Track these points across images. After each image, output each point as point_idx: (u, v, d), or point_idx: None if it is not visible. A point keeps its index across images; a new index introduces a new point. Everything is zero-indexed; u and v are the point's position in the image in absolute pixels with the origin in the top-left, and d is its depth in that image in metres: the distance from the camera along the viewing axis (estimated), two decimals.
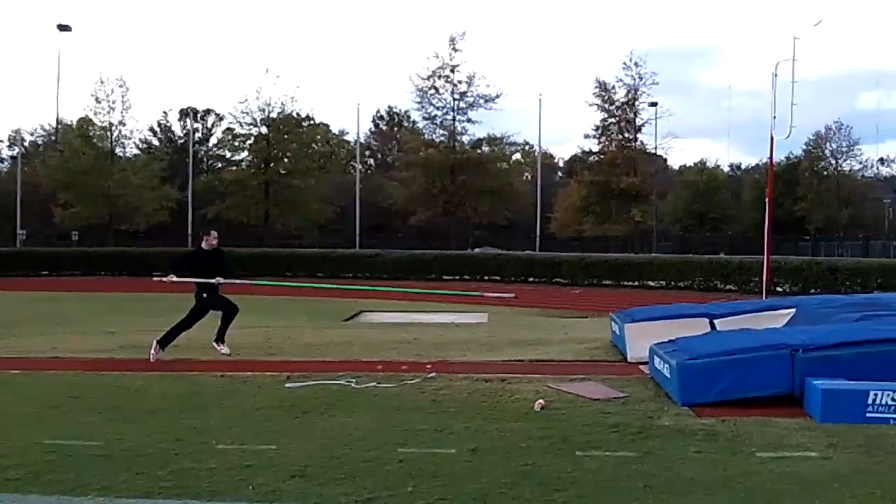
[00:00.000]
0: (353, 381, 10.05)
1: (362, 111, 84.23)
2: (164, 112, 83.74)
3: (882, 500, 5.80)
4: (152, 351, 11.87)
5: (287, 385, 9.89)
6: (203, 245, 12.49)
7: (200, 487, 5.93)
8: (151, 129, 78.43)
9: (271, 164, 59.87)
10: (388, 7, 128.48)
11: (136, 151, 65.12)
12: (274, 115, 58.98)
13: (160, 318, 14.80)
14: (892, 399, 8.07)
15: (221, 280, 12.46)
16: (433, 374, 10.52)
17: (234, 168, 62.97)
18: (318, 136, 71.65)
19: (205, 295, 12.22)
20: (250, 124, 59.86)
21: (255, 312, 21.29)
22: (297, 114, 61.07)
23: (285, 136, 60.09)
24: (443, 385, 9.87)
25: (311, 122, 66.23)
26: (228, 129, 63.90)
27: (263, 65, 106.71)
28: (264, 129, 59.36)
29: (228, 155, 66.33)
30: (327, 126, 78.28)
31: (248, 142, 60.93)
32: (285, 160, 60.98)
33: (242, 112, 59.54)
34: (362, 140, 76.93)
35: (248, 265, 38.18)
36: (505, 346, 13.90)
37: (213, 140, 76.54)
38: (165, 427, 7.76)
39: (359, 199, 57.54)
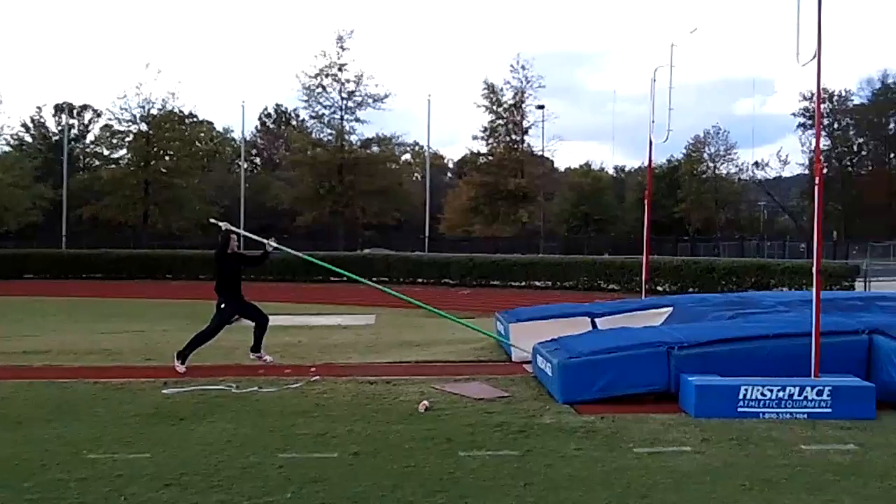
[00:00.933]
0: (234, 385, 9.85)
1: (248, 109, 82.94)
2: (38, 107, 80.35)
3: (750, 492, 5.99)
4: (176, 366, 11.06)
5: (164, 391, 9.63)
6: (228, 249, 11.70)
7: (69, 499, 5.70)
8: (24, 126, 75.24)
9: (151, 163, 58.19)
10: (275, 3, 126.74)
11: (6, 149, 62.61)
12: (155, 111, 57.50)
13: (27, 321, 14.25)
14: (762, 394, 8.36)
15: (274, 244, 12.15)
16: (317, 378, 10.40)
17: (113, 166, 61.09)
18: (202, 134, 70.24)
19: (223, 306, 11.53)
20: (129, 121, 58.22)
21: (133, 316, 20.83)
22: (180, 111, 59.74)
23: (166, 134, 58.59)
24: (326, 388, 9.77)
25: (195, 119, 64.84)
26: (106, 125, 62.06)
27: (144, 59, 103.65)
28: (144, 127, 57.76)
29: (106, 153, 64.32)
30: (211, 124, 76.85)
31: (127, 139, 59.21)
32: (166, 158, 59.46)
33: (121, 108, 57.82)
34: (248, 138, 75.79)
35: (125, 267, 37.24)
36: (391, 347, 13.88)
37: (90, 137, 73.91)
38: (32, 437, 7.45)
39: (243, 198, 56.51)
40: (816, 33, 8.70)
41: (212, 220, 12.87)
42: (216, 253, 11.67)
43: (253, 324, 11.88)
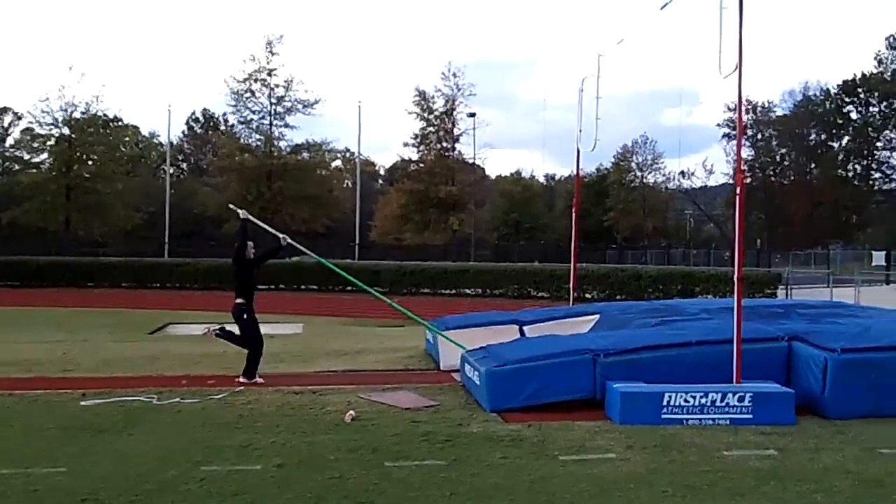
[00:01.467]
0: (155, 397, 9.62)
1: (176, 113, 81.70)
2: None
3: (673, 498, 6.06)
4: (251, 382, 10.71)
5: (82, 403, 9.36)
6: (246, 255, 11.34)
7: None
8: None
9: (74, 168, 56.71)
10: (202, 6, 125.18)
11: None
12: (78, 115, 56.07)
13: None
14: (685, 400, 8.47)
15: (289, 240, 11.90)
16: (241, 388, 10.24)
17: (33, 171, 59.37)
18: (127, 139, 68.75)
19: (245, 315, 11.10)
20: (51, 124, 56.56)
21: (53, 325, 20.30)
22: (104, 115, 58.33)
23: (90, 139, 57.23)
24: (251, 399, 9.62)
25: (120, 123, 63.50)
26: (27, 129, 60.25)
27: (67, 62, 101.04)
28: (66, 130, 56.31)
29: (27, 157, 62.41)
30: (137, 128, 75.37)
31: (49, 143, 57.63)
32: (89, 163, 58.05)
33: (43, 111, 56.13)
34: (175, 143, 74.63)
35: (46, 275, 36.33)
36: (319, 356, 13.76)
37: (9, 141, 71.77)
38: None
39: (169, 204, 55.50)
40: (738, 46, 8.86)
41: (231, 206, 12.55)
42: (233, 259, 11.38)
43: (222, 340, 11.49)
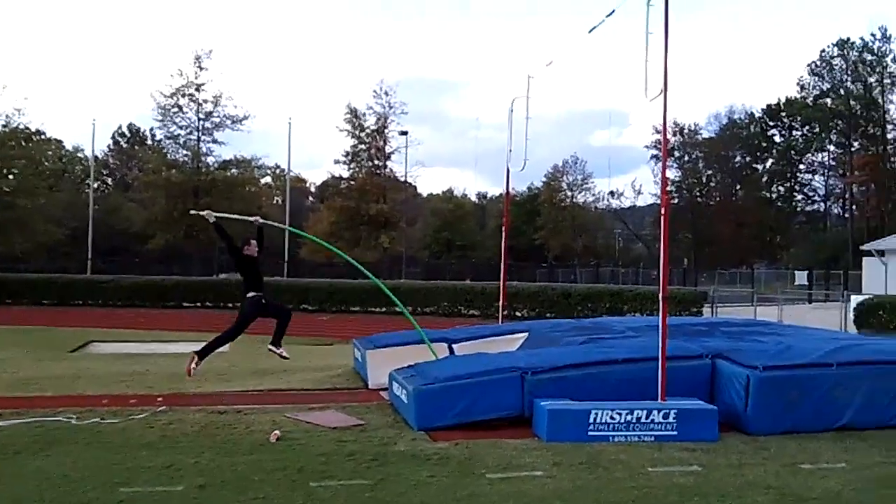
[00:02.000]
0: (74, 417, 9.35)
1: (101, 128, 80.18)
2: None
3: None
4: (192, 365, 10.89)
5: None
6: (245, 251, 11.33)
7: None
8: None
9: None
10: (130, 19, 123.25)
11: None
12: None
13: None
14: (611, 417, 8.53)
15: (261, 220, 11.88)
16: (164, 408, 10.02)
17: None
18: (50, 152, 67.10)
19: (264, 301, 11.30)
20: None
21: None
22: (26, 127, 56.89)
23: (11, 152, 55.69)
24: (174, 419, 9.41)
25: (42, 136, 62.00)
26: None
27: None
28: None
29: None
30: (60, 142, 73.70)
31: None
32: (10, 177, 56.50)
33: None
34: (99, 157, 73.23)
35: None
36: (245, 375, 13.56)
37: None
38: None
39: (92, 219, 54.26)
40: (663, 71, 8.99)
41: (192, 212, 12.50)
42: (235, 262, 11.49)
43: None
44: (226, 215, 11.83)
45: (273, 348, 11.54)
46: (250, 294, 11.17)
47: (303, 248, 66.05)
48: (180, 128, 57.23)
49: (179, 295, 33.85)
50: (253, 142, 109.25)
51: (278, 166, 75.08)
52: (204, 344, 11.19)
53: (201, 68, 55.79)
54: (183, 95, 56.18)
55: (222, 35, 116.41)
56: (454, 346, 12.68)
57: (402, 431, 8.86)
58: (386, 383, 10.82)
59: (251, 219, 11.79)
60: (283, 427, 8.89)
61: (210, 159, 57.96)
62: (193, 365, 10.91)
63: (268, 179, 75.03)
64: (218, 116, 56.74)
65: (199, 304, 33.11)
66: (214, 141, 57.42)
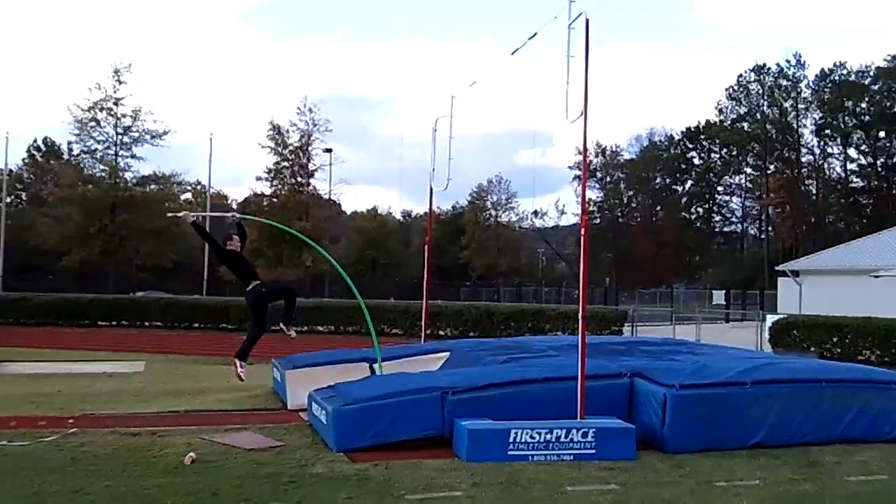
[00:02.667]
0: None
1: (15, 141, 77.91)
2: None
3: None
4: (238, 370, 11.12)
5: None
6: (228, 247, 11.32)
7: None
8: None
9: None
10: (47, 30, 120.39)
11: None
12: None
13: None
14: (531, 437, 8.55)
15: (238, 215, 12.06)
16: (75, 430, 9.71)
17: None
18: None
19: (263, 289, 11.36)
20: None
21: None
22: None
23: None
24: (85, 441, 9.13)
25: None
26: None
27: None
28: None
29: None
30: None
31: None
32: None
33: None
34: (13, 171, 71.14)
35: None
36: (160, 396, 13.22)
37: None
38: None
39: (4, 235, 52.66)
40: (584, 94, 9.09)
41: (170, 215, 12.53)
42: (220, 260, 11.74)
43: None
44: (208, 214, 11.85)
45: (284, 328, 11.67)
46: (249, 287, 11.20)
47: (223, 267, 65.07)
48: (98, 142, 56.08)
49: (95, 313, 32.97)
50: (173, 157, 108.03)
51: (199, 182, 74.12)
52: (239, 348, 11.36)
53: (120, 82, 54.81)
54: (101, 109, 55.05)
55: (143, 48, 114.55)
56: (375, 365, 12.58)
57: (320, 453, 8.74)
58: (305, 404, 10.67)
59: (228, 215, 11.98)
60: (199, 449, 8.70)
61: (128, 175, 56.88)
62: (241, 369, 11.14)
63: (188, 196, 73.86)
64: (137, 131, 55.75)
65: (115, 323, 32.32)
66: (133, 156, 56.38)
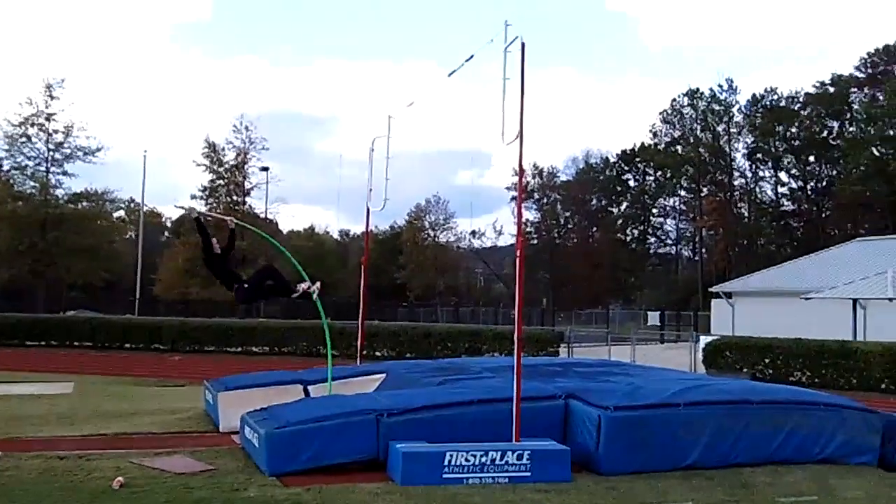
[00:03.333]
0: None
1: None
2: None
3: None
4: None
5: None
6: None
7: None
8: None
9: None
10: None
11: None
12: None
13: None
14: (466, 459, 8.51)
15: (235, 221, 12.58)
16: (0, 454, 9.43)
17: None
18: None
19: (246, 285, 11.84)
20: None
21: None
22: None
23: None
24: (9, 465, 8.87)
25: None
26: None
27: None
28: None
29: None
30: None
31: None
32: None
33: None
34: None
35: None
36: (90, 418, 12.93)
37: None
38: None
39: None
40: (519, 116, 9.14)
41: (177, 206, 12.44)
42: (204, 262, 11.90)
43: None
44: (210, 215, 12.07)
45: (300, 288, 11.95)
46: (233, 291, 11.68)
47: (156, 285, 64.18)
48: (28, 158, 54.89)
49: (23, 333, 32.18)
50: (106, 174, 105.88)
51: (132, 200, 73.02)
52: None
53: (52, 97, 53.82)
54: (32, 125, 53.98)
55: (76, 63, 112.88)
56: (310, 387, 12.46)
57: (252, 477, 8.60)
58: (238, 427, 10.51)
59: (227, 218, 12.48)
60: (128, 473, 8.51)
61: (59, 192, 55.76)
62: None
63: (121, 213, 72.71)
64: (69, 147, 54.73)
65: (43, 343, 31.56)
66: (65, 173, 55.31)
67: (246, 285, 11.61)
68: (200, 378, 18.35)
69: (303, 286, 11.94)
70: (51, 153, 54.56)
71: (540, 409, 9.68)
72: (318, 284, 12.07)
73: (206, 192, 60.84)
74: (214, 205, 60.86)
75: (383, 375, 13.27)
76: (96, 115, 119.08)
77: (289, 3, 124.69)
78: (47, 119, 53.98)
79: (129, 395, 16.97)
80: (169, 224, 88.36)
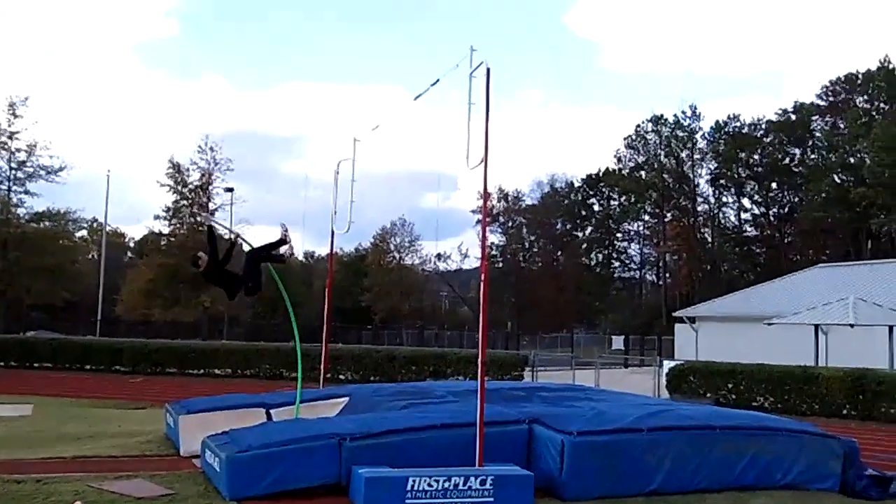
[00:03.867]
0: None
1: None
2: None
3: None
4: None
5: None
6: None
7: None
8: None
9: None
10: None
11: None
12: None
13: None
14: (429, 485, 8.47)
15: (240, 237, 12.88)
16: None
17: None
18: None
19: (248, 283, 12.10)
20: None
21: None
22: None
23: None
24: None
25: None
26: None
27: None
28: None
29: None
30: None
31: None
32: None
33: None
34: None
35: None
36: (49, 441, 12.74)
37: None
38: None
39: None
40: (484, 141, 9.18)
41: (202, 216, 12.55)
42: (204, 273, 12.09)
43: None
44: (218, 224, 12.01)
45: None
46: (242, 288, 12.14)
47: (119, 306, 63.49)
48: None
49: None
50: (69, 193, 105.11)
51: (95, 219, 72.28)
52: None
53: (16, 115, 53.20)
54: None
55: (40, 82, 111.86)
56: (272, 411, 12.39)
57: (213, 501, 8.52)
58: (199, 450, 10.40)
59: (233, 235, 12.97)
60: (86, 497, 8.42)
61: (21, 210, 55.04)
62: None
63: (84, 233, 71.90)
64: (32, 166, 54.03)
65: (2, 364, 31.05)
66: (27, 192, 54.57)
67: (250, 283, 12.02)
68: (162, 400, 18.17)
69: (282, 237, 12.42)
70: (13, 172, 53.87)
71: (503, 434, 9.68)
72: (284, 228, 12.44)
73: (170, 213, 60.32)
74: (178, 226, 60.42)
75: (346, 399, 13.23)
76: (60, 133, 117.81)
77: (255, 25, 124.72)
78: (10, 137, 53.30)
79: (89, 417, 16.72)
80: (132, 244, 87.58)
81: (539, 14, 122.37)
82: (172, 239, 60.25)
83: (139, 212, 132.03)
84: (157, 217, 61.33)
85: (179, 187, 59.54)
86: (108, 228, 60.54)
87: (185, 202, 59.81)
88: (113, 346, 32.09)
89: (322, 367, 15.96)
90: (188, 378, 29.09)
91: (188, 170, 59.47)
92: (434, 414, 10.45)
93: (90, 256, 75.15)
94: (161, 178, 60.01)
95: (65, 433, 13.75)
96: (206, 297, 56.55)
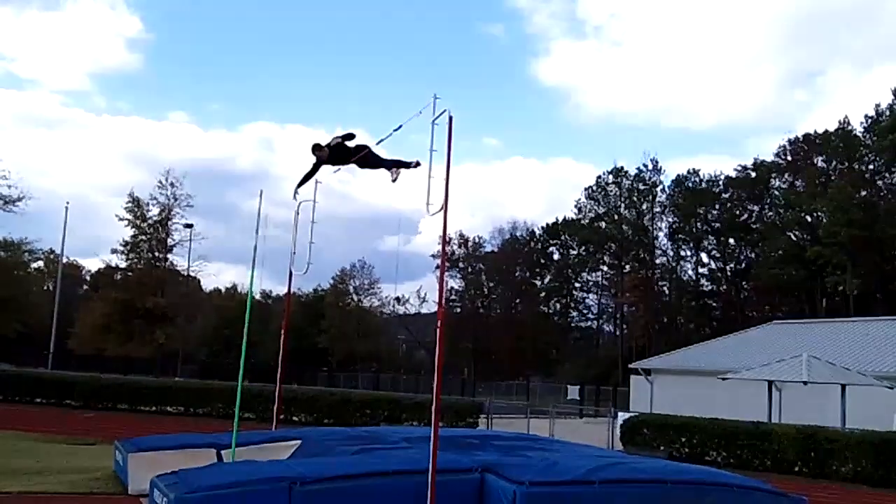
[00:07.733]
0: None
1: None
2: None
3: None
4: None
5: None
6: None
7: None
8: None
9: None
10: None
11: None
12: None
13: None
14: None
15: None
16: None
17: None
18: None
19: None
20: None
21: None
22: None
23: None
24: None
25: None
26: None
27: None
28: None
29: None
30: None
31: None
32: None
33: None
34: None
35: None
36: None
37: None
38: None
39: None
40: (444, 189, 9.25)
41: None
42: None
43: None
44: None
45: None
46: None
47: (71, 339, 62.58)
48: None
49: None
50: (27, 224, 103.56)
51: (52, 251, 71.45)
52: None
53: None
54: None
55: None
56: (222, 452, 12.26)
57: None
58: (147, 490, 10.25)
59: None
60: None
61: None
62: None
63: (40, 264, 71.05)
64: None
65: None
66: None
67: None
68: (112, 437, 17.89)
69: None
70: None
71: (455, 482, 9.64)
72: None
73: (128, 247, 59.81)
74: (135, 260, 59.89)
75: (298, 442, 13.12)
76: (19, 163, 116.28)
77: (219, 63, 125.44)
78: None
79: (38, 452, 16.40)
80: (88, 277, 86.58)
81: (504, 63, 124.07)
82: (129, 273, 59.70)
83: (97, 245, 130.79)
84: (114, 251, 60.87)
85: (138, 222, 59.20)
86: (64, 260, 59.82)
87: (143, 237, 59.41)
88: (65, 380, 31.62)
89: (276, 407, 15.82)
90: (140, 415, 28.67)
91: (148, 204, 59.23)
92: (386, 460, 10.41)
93: (45, 287, 74.18)
94: (120, 212, 59.67)
95: (12, 468, 13.47)
96: (161, 334, 56.02)
